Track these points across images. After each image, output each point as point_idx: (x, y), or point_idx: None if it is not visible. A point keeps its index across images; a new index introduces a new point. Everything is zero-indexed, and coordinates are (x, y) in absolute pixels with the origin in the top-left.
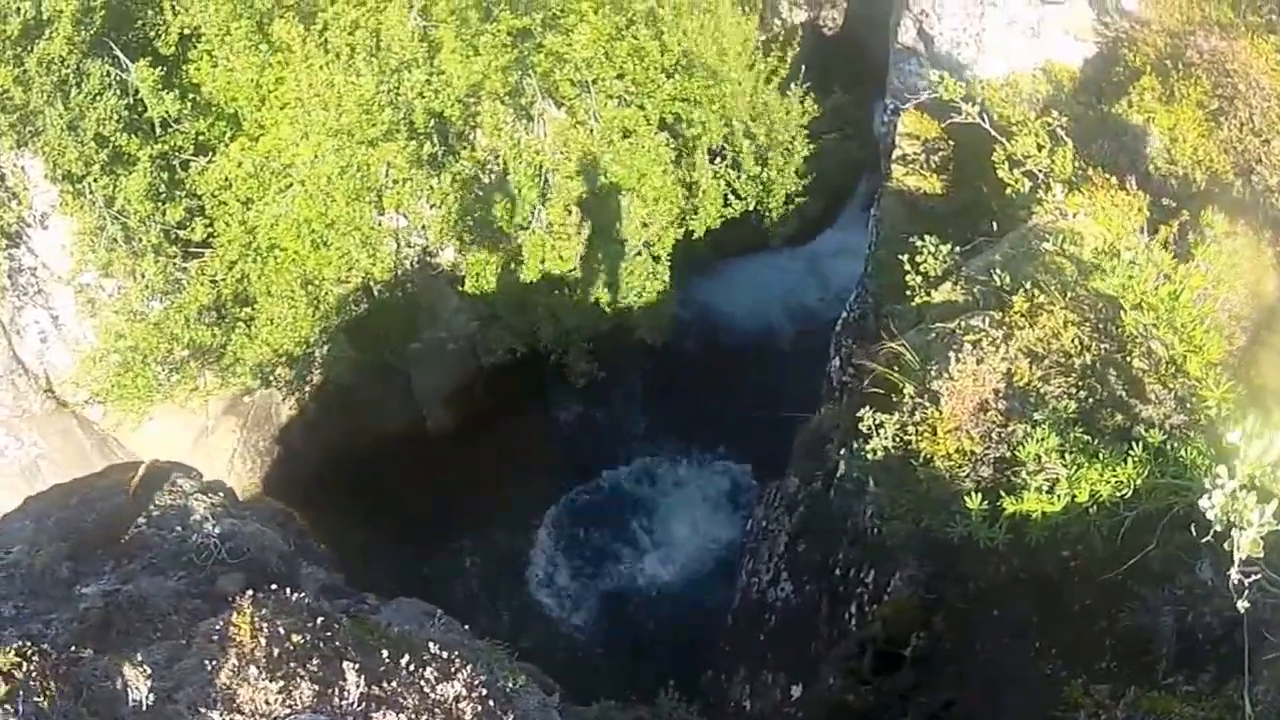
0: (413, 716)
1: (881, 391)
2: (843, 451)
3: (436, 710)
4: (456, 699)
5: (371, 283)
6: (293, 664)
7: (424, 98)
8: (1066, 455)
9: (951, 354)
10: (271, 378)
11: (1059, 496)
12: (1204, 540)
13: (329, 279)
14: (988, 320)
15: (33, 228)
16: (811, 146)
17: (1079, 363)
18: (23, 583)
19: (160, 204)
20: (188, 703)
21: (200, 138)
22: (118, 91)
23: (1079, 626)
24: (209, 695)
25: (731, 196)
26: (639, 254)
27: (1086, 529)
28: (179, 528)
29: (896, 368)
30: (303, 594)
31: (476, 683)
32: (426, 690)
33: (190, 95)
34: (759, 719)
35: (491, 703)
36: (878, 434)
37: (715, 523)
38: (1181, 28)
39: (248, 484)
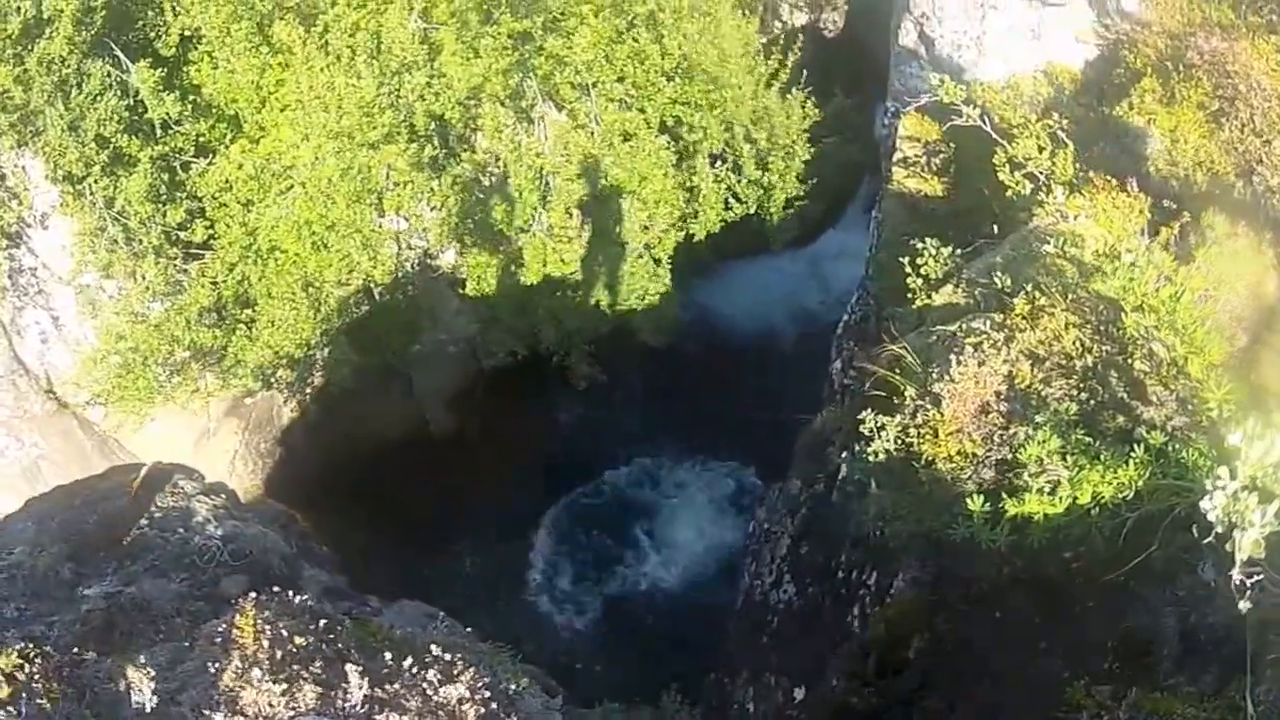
0: (415, 719)
1: (883, 394)
2: (844, 454)
3: (440, 713)
4: (459, 701)
5: (372, 285)
6: (296, 666)
7: (424, 100)
8: (1068, 457)
9: (953, 356)
10: (273, 380)
11: (1061, 498)
12: (1206, 541)
13: (330, 281)
14: (989, 323)
15: (33, 228)
16: (812, 149)
17: (1080, 365)
18: (25, 584)
19: (161, 205)
20: (191, 705)
21: (201, 139)
22: (118, 92)
23: (1081, 628)
24: (212, 697)
25: (732, 200)
26: (640, 256)
27: (1088, 530)
28: (181, 530)
29: (898, 370)
30: (305, 596)
31: (479, 685)
32: (429, 693)
33: (191, 97)
34: None
35: (495, 705)
36: (879, 436)
37: (717, 525)
38: (1182, 29)
39: (249, 486)
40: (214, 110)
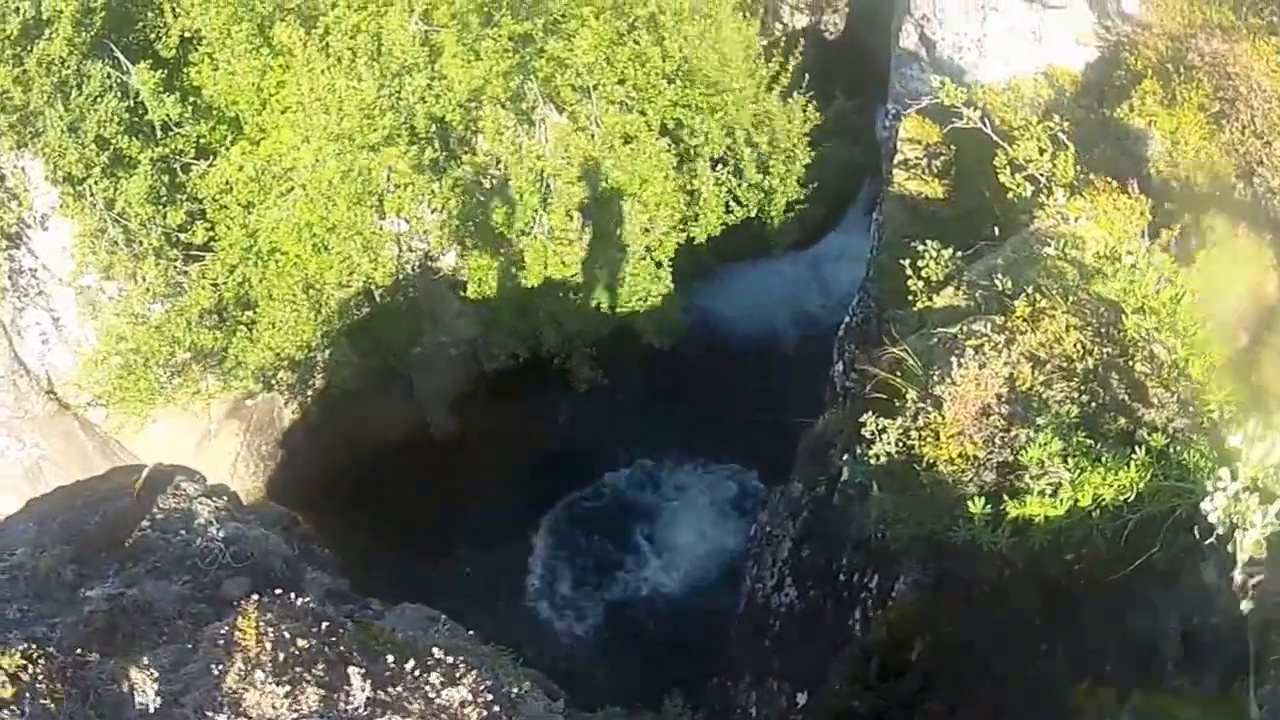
0: None
1: (884, 396)
2: (846, 457)
3: (442, 716)
4: (462, 704)
5: (373, 287)
6: (298, 668)
7: (425, 102)
8: (1069, 459)
9: (953, 359)
10: (273, 382)
11: (1062, 500)
12: (1207, 543)
13: (330, 283)
14: (990, 325)
15: (33, 229)
16: (813, 152)
17: (1081, 367)
18: (27, 585)
19: (161, 207)
20: (194, 707)
21: (201, 141)
22: (118, 94)
23: (1083, 629)
24: (215, 699)
25: (733, 203)
26: (642, 259)
27: (1090, 532)
28: (183, 531)
29: (899, 373)
30: (307, 599)
31: (481, 688)
32: (431, 696)
33: (191, 98)
34: None
35: (497, 708)
36: (880, 439)
37: (718, 528)
38: (1183, 30)
39: (250, 488)
40: (214, 112)
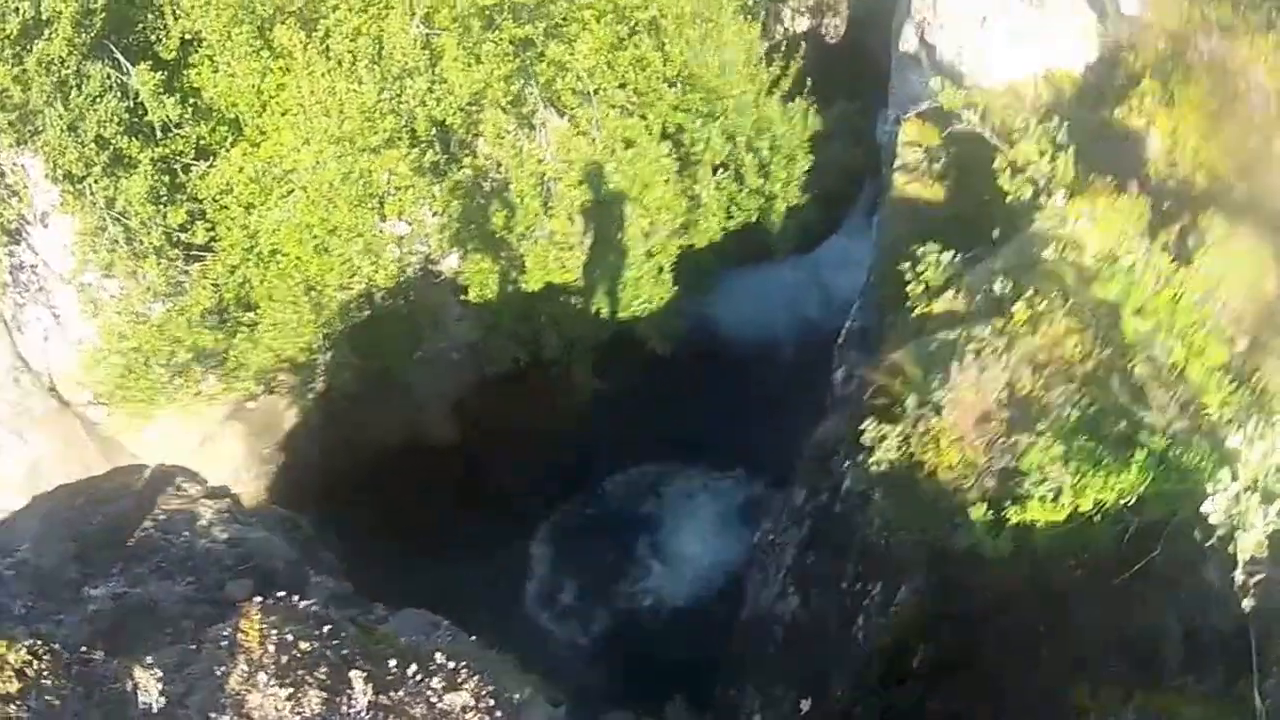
0: None
1: (884, 403)
2: (847, 464)
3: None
4: (464, 709)
5: (374, 290)
6: (301, 671)
7: (426, 105)
8: (1070, 464)
9: (954, 364)
10: (274, 384)
11: (1063, 505)
12: (1208, 544)
13: (331, 285)
14: (989, 329)
15: (33, 225)
16: (814, 157)
17: (1081, 370)
18: (31, 582)
19: (161, 207)
20: (198, 708)
21: (201, 142)
22: (118, 94)
23: (1086, 633)
24: (219, 701)
25: (734, 208)
26: (644, 263)
27: (1091, 536)
28: (186, 533)
29: (899, 378)
30: (310, 602)
31: (484, 693)
32: (434, 700)
33: (191, 100)
34: None
35: (499, 713)
36: (880, 446)
37: (721, 536)
38: (1182, 30)
39: (253, 490)
40: (215, 113)
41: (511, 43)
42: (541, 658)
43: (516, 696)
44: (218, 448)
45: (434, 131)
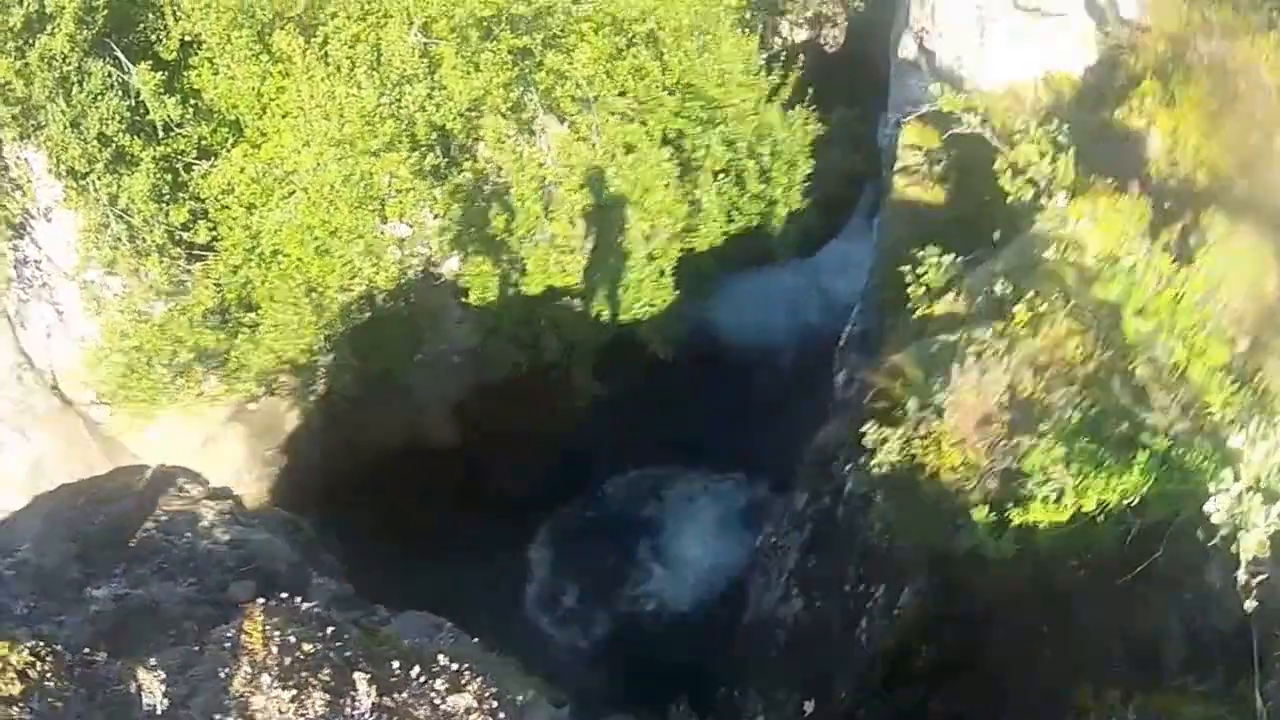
0: None
1: (885, 405)
2: (849, 467)
3: None
4: (467, 711)
5: (375, 292)
6: (304, 673)
7: (425, 111)
8: (1072, 465)
9: (955, 366)
10: (276, 385)
11: (1065, 506)
12: (1211, 544)
13: (332, 287)
14: (990, 331)
15: (36, 220)
16: (814, 162)
17: (1082, 371)
18: (33, 582)
19: (164, 205)
20: (202, 710)
21: (203, 142)
22: (120, 92)
23: (1088, 633)
24: (223, 703)
25: (735, 213)
26: (645, 266)
27: (1094, 537)
28: (188, 534)
29: (900, 381)
30: (313, 603)
31: (487, 695)
32: (437, 702)
33: (192, 100)
34: None
35: (502, 715)
36: (882, 449)
37: (723, 539)
38: (1181, 31)
39: (254, 492)
40: (215, 114)
41: (510, 52)
42: (542, 661)
43: (519, 698)
44: (220, 449)
45: (434, 136)
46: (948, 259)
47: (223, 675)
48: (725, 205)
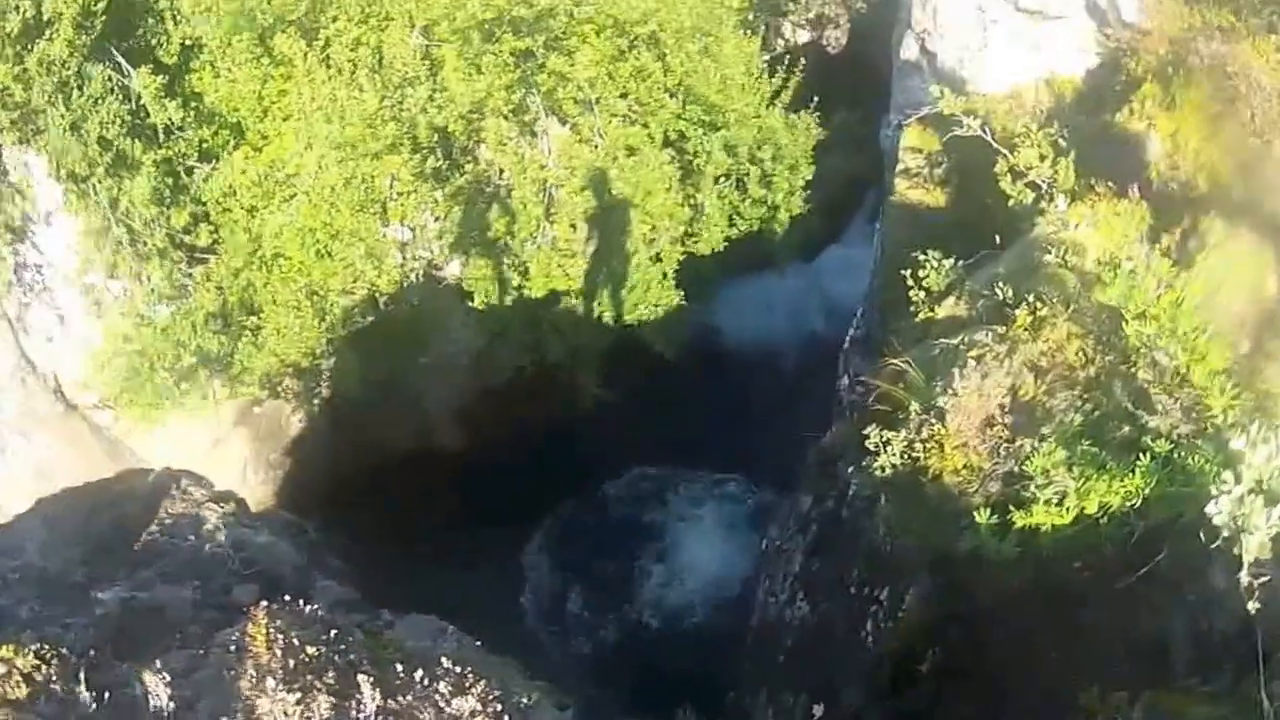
0: None
1: (888, 409)
2: (852, 470)
3: None
4: (471, 714)
5: (377, 295)
6: (309, 676)
7: (427, 113)
8: (1074, 468)
9: (956, 370)
10: (279, 389)
11: (1068, 509)
12: (1214, 546)
13: (334, 290)
14: (991, 335)
15: (37, 224)
16: (816, 165)
17: (1084, 375)
18: (38, 585)
19: (165, 208)
20: (208, 713)
21: (204, 145)
22: (120, 96)
23: (1092, 635)
24: (229, 705)
25: (736, 217)
26: (650, 267)
27: (1097, 540)
28: (192, 537)
29: (902, 385)
30: (316, 606)
31: (491, 698)
32: (441, 705)
33: (193, 104)
34: None
35: (507, 718)
36: (885, 451)
37: (728, 542)
38: (1182, 34)
39: (259, 495)
40: (216, 117)
41: (512, 54)
42: (547, 665)
43: (524, 701)
44: (224, 452)
45: (435, 138)
46: (949, 262)
47: (228, 678)
48: (727, 209)
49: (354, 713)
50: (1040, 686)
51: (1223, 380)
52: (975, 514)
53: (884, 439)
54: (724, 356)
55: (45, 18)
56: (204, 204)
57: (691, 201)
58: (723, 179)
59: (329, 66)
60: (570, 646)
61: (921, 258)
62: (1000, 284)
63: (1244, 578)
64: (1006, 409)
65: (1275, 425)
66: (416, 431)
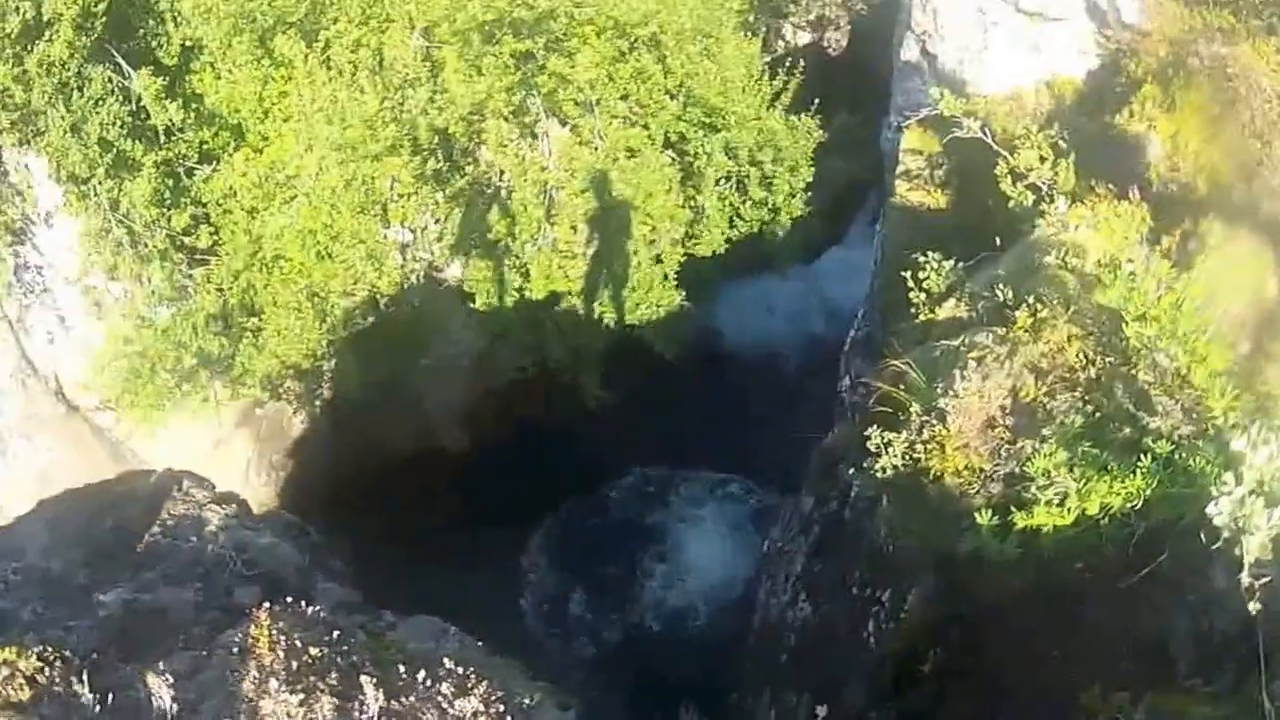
0: None
1: (889, 410)
2: (853, 471)
3: None
4: (474, 715)
5: (378, 296)
6: (312, 677)
7: (427, 115)
8: (1076, 469)
9: (957, 371)
10: (281, 390)
11: (1069, 510)
12: (1215, 547)
13: (335, 291)
14: (991, 336)
15: (37, 225)
16: (816, 168)
17: (1084, 376)
18: (40, 587)
19: (165, 210)
20: (212, 714)
21: (205, 146)
22: (120, 98)
23: (1094, 635)
24: (233, 707)
25: (737, 219)
26: (652, 268)
27: (1098, 540)
28: (194, 538)
29: (903, 386)
30: (319, 608)
31: (493, 699)
32: (444, 706)
33: (194, 105)
34: None
35: (509, 718)
36: (886, 452)
37: (730, 543)
38: (1182, 36)
39: (262, 496)
40: (217, 119)
41: (512, 56)
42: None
43: (526, 701)
44: (226, 453)
45: (436, 140)
46: (949, 264)
47: (231, 680)
48: (727, 211)
49: (357, 714)
50: (1041, 686)
51: (1223, 382)
52: (977, 515)
53: (885, 440)
54: (725, 358)
55: (45, 19)
56: (204, 205)
57: (692, 203)
58: (723, 181)
59: (329, 68)
60: (572, 648)
61: (922, 259)
62: (1001, 285)
63: (1245, 578)
64: (1007, 410)
65: (1276, 426)
66: (418, 433)
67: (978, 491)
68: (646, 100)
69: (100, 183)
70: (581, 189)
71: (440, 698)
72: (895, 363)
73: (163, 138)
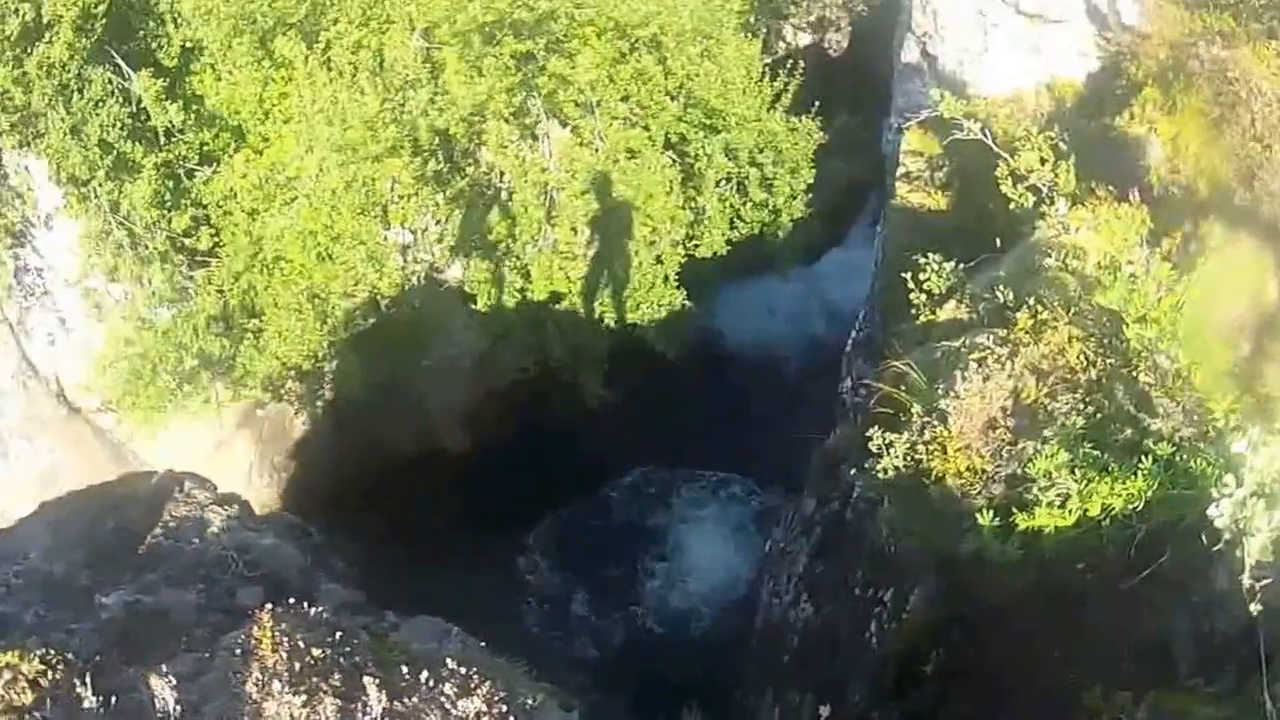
0: None
1: (890, 411)
2: (855, 472)
3: None
4: (477, 715)
5: (379, 298)
6: (315, 678)
7: (428, 116)
8: (1077, 470)
9: (958, 372)
10: (282, 391)
11: (1070, 511)
12: (1216, 548)
13: (335, 293)
14: (992, 338)
15: (37, 227)
16: (817, 169)
17: (1085, 378)
18: (42, 589)
19: (166, 211)
20: (214, 716)
21: (205, 148)
22: (120, 99)
23: (1096, 636)
24: (236, 708)
25: (738, 220)
26: (653, 268)
27: (1099, 542)
28: (196, 540)
29: (904, 387)
30: (321, 609)
31: (496, 699)
32: (447, 706)
33: (194, 106)
34: None
35: (512, 719)
36: (888, 453)
37: (732, 544)
38: (1183, 38)
39: (264, 497)
40: (217, 120)
41: (513, 57)
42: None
43: (529, 702)
44: (228, 454)
45: (436, 141)
46: (950, 266)
47: (234, 681)
48: (728, 212)
49: (360, 715)
50: (1043, 687)
51: (1224, 383)
52: (978, 516)
53: (887, 441)
54: (726, 359)
55: (45, 20)
56: (205, 207)
57: (692, 204)
58: (724, 182)
59: (330, 69)
60: (574, 648)
61: (923, 261)
62: (1001, 287)
63: (1246, 580)
64: (1008, 411)
65: (1276, 428)
66: (419, 434)
67: (979, 492)
68: (647, 101)
69: (100, 184)
70: (582, 190)
71: (443, 698)
72: (896, 364)
73: (163, 139)
